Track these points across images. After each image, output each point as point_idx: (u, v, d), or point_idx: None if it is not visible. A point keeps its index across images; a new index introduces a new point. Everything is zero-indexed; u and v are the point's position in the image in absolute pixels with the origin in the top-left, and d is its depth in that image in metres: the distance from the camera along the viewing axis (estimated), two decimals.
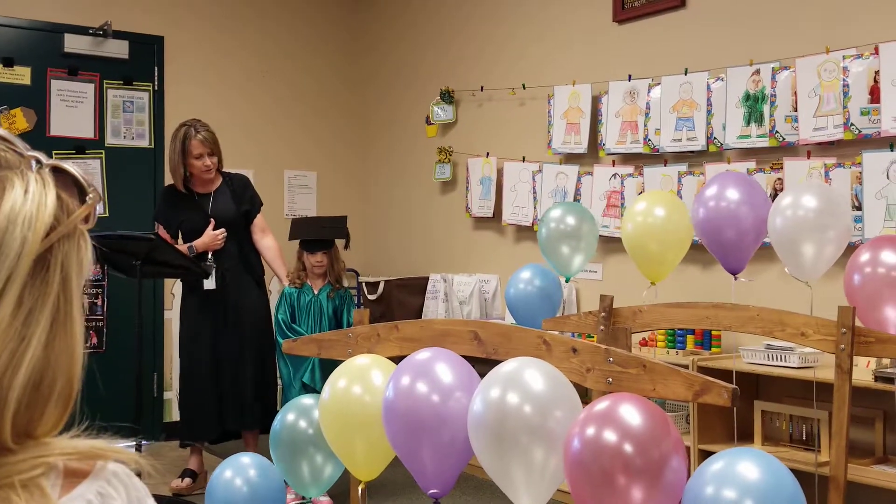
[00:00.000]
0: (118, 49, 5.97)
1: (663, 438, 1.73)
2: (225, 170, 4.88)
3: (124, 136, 6.06)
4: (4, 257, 0.80)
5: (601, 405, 1.79)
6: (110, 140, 6.01)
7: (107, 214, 5.83)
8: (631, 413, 1.74)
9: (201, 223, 4.74)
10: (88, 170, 5.88)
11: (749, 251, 3.31)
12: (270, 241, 4.88)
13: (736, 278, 3.35)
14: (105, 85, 5.99)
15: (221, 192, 4.82)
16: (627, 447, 1.71)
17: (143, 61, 6.12)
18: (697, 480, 1.70)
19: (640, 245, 3.58)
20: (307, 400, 2.65)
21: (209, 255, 4.73)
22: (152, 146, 6.14)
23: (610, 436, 1.72)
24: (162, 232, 4.82)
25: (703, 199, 3.34)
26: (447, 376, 2.06)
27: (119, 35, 5.96)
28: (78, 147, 5.87)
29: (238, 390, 4.73)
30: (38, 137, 5.64)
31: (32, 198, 0.82)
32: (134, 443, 4.38)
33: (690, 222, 3.62)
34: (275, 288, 5.13)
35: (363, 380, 2.27)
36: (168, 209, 4.84)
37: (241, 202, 4.81)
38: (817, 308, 3.25)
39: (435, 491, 2.08)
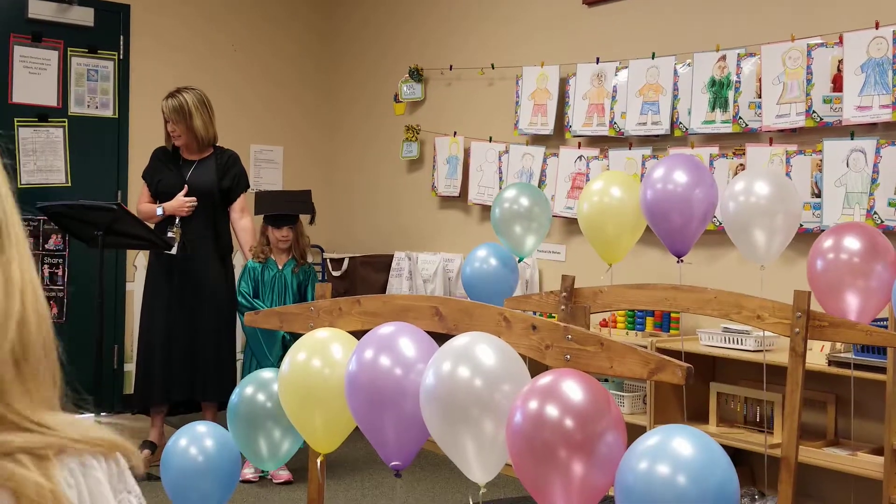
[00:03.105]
0: (83, 16, 5.88)
1: (604, 414, 1.76)
2: (219, 144, 4.94)
3: (88, 105, 5.99)
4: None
5: (544, 380, 1.81)
6: (74, 108, 5.93)
7: (69, 184, 5.77)
8: (572, 388, 1.77)
9: (177, 187, 4.79)
10: (51, 138, 5.80)
11: (695, 235, 3.31)
12: (248, 223, 4.90)
13: (680, 261, 3.36)
14: (69, 53, 5.91)
15: (206, 162, 4.86)
16: (568, 422, 1.73)
17: (109, 30, 6.04)
18: (631, 456, 1.72)
19: (597, 226, 3.55)
20: (266, 373, 2.64)
21: (177, 220, 4.75)
22: (116, 116, 6.07)
23: (551, 410, 1.75)
24: (145, 191, 4.89)
25: (650, 180, 3.33)
26: (410, 350, 2.08)
27: (85, 2, 5.87)
28: (41, 115, 5.78)
29: (189, 361, 4.74)
30: (0, 104, 5.55)
31: None
32: (92, 414, 4.35)
33: None
34: (238, 263, 5.12)
35: (323, 353, 2.28)
36: (151, 166, 4.95)
37: (222, 177, 4.83)
38: (775, 292, 3.30)
39: (396, 463, 2.09)
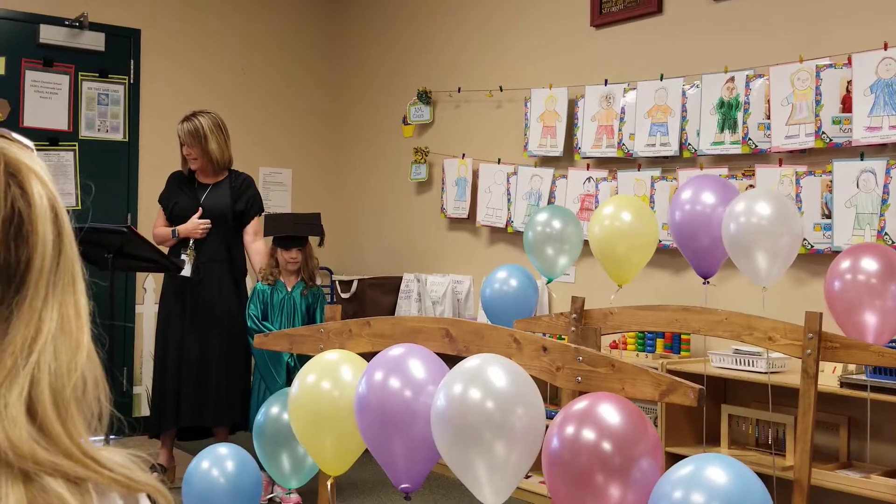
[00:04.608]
0: (94, 41, 5.93)
1: (641, 438, 1.75)
2: (234, 168, 4.96)
3: (98, 129, 6.02)
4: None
5: (580, 404, 1.80)
6: (84, 132, 5.97)
7: (79, 207, 5.79)
8: (609, 412, 1.76)
9: (191, 210, 4.82)
10: (62, 162, 5.83)
11: (722, 256, 3.32)
12: (261, 245, 4.91)
13: (706, 282, 3.37)
14: (80, 77, 5.95)
15: (221, 186, 4.88)
16: (606, 446, 1.72)
17: (119, 54, 6.08)
18: (665, 484, 1.71)
19: (607, 248, 3.60)
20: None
21: (191, 242, 4.76)
22: (126, 139, 6.10)
23: (588, 434, 1.73)
24: (161, 215, 4.93)
25: (678, 202, 3.35)
26: (420, 372, 2.07)
27: (95, 27, 5.92)
28: (51, 139, 5.82)
29: (200, 385, 4.73)
30: (11, 128, 5.55)
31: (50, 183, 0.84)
32: (101, 437, 4.34)
33: (656, 226, 3.65)
34: (252, 286, 5.13)
35: (333, 375, 2.27)
36: (167, 190, 4.98)
37: (236, 200, 4.85)
38: (786, 313, 3.29)
39: (406, 485, 2.08)
